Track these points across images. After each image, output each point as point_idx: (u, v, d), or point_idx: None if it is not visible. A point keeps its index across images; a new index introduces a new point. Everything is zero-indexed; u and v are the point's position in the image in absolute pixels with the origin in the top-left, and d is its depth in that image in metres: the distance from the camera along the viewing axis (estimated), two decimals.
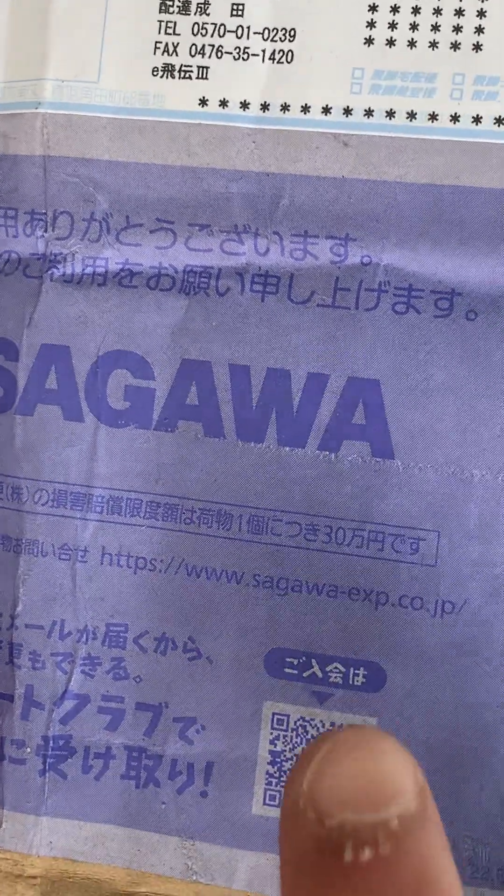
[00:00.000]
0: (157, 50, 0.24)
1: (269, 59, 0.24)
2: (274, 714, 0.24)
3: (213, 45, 0.24)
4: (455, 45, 0.23)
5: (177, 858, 0.25)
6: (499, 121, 0.23)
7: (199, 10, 0.24)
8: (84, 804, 0.25)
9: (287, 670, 0.24)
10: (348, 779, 0.17)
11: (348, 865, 0.16)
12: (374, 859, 0.16)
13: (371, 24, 0.23)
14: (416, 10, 0.23)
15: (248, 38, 0.24)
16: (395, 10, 0.23)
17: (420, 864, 0.17)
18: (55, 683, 0.25)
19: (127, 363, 0.25)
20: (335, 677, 0.24)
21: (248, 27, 0.24)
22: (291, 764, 0.24)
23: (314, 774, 0.17)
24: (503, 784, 0.23)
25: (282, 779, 0.24)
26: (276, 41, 0.24)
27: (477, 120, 0.23)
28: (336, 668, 0.24)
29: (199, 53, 0.24)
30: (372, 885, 0.16)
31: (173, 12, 0.24)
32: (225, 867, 0.24)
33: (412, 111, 0.23)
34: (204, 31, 0.24)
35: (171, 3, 0.24)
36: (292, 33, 0.23)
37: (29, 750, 0.25)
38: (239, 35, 0.24)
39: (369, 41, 0.23)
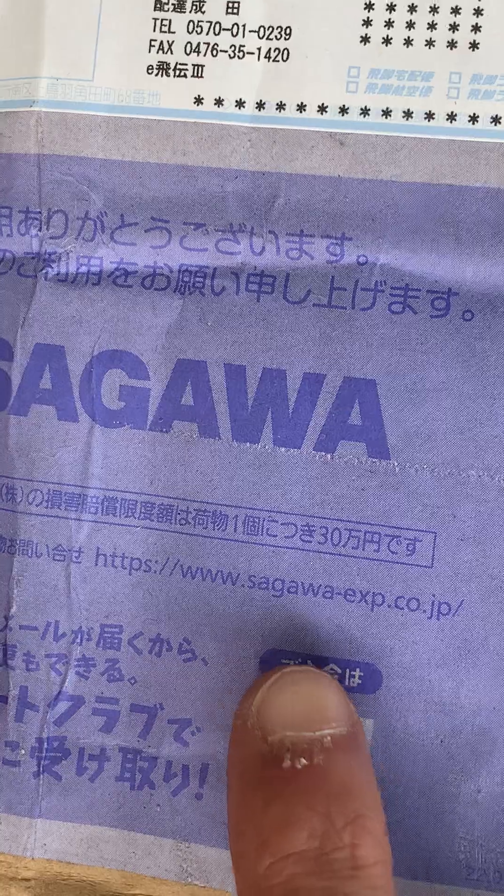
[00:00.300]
0: (152, 48, 0.24)
1: (265, 57, 0.24)
2: None
3: (208, 44, 0.24)
4: (452, 44, 0.23)
5: (172, 861, 0.25)
6: (495, 119, 0.23)
7: (194, 7, 0.24)
8: (79, 806, 0.25)
9: None
10: (290, 704, 0.21)
11: (287, 771, 0.20)
12: (309, 767, 0.20)
13: (367, 23, 0.23)
14: (412, 9, 0.23)
15: (243, 36, 0.24)
16: (391, 8, 0.23)
17: (347, 777, 0.20)
18: (49, 685, 0.25)
19: (122, 363, 0.25)
20: None
21: (244, 25, 0.24)
22: None
23: (261, 700, 0.21)
24: (500, 785, 0.23)
25: None
26: (271, 39, 0.23)
27: (474, 119, 0.23)
28: (332, 669, 0.24)
29: (195, 51, 0.24)
30: (306, 788, 0.20)
31: (168, 10, 0.24)
32: (220, 869, 0.24)
33: (408, 110, 0.23)
34: (199, 29, 0.24)
35: (165, 0, 0.24)
36: (288, 31, 0.23)
37: (23, 752, 0.25)
38: (234, 33, 0.24)
39: (365, 39, 0.23)
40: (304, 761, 0.20)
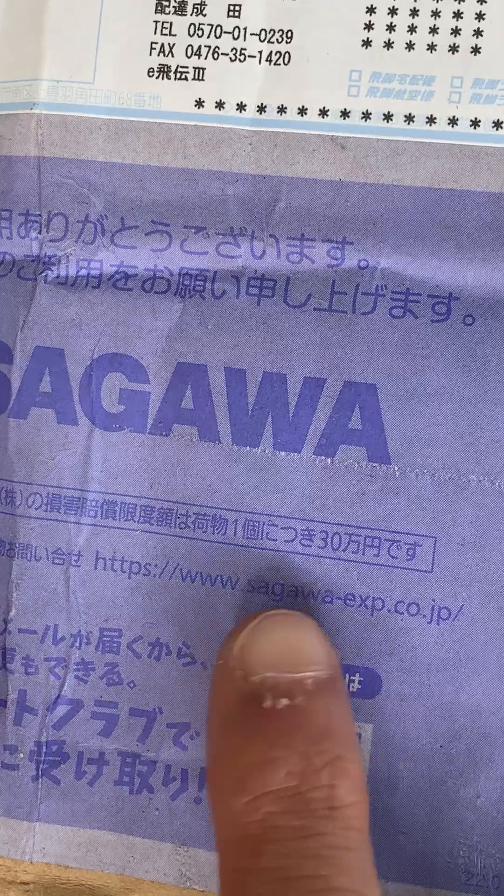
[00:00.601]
0: (153, 50, 0.24)
1: (266, 60, 0.23)
2: None
3: (209, 47, 0.24)
4: (453, 48, 0.23)
5: (171, 865, 0.25)
6: (497, 124, 0.23)
7: (195, 10, 0.24)
8: (77, 810, 0.25)
9: None
10: (272, 646, 0.21)
11: (267, 710, 0.20)
12: (290, 707, 0.20)
13: (369, 26, 0.23)
14: (414, 13, 0.23)
15: (244, 39, 0.24)
16: (392, 11, 0.23)
17: (327, 718, 0.20)
18: (48, 689, 0.25)
19: (121, 366, 0.25)
20: None
21: (245, 28, 0.24)
22: None
23: (244, 641, 0.21)
24: (499, 791, 0.23)
25: None
26: (272, 42, 0.23)
27: (475, 123, 0.23)
28: None
29: (196, 54, 0.24)
30: (286, 728, 0.20)
31: (169, 13, 0.24)
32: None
33: (410, 114, 0.23)
34: (200, 32, 0.24)
35: (167, 3, 0.24)
36: (289, 35, 0.23)
37: (22, 755, 0.25)
38: (235, 36, 0.24)
39: (367, 43, 0.23)
40: (284, 701, 0.20)
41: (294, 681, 0.20)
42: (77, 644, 0.25)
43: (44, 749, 0.25)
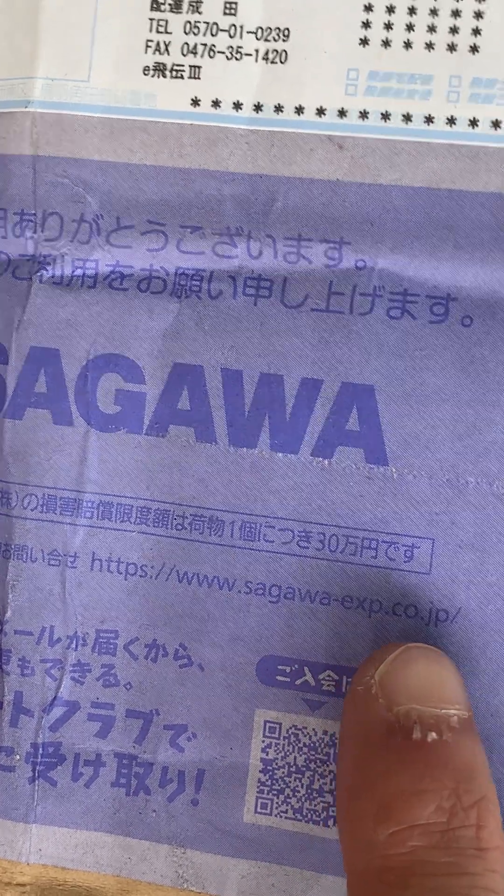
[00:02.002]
0: (149, 49, 0.24)
1: (263, 58, 0.23)
2: (266, 722, 0.24)
3: (205, 45, 0.24)
4: (451, 47, 0.23)
5: (168, 866, 0.25)
6: (495, 124, 0.22)
7: (190, 8, 0.24)
8: (74, 812, 0.25)
9: (279, 678, 0.24)
10: (415, 678, 0.21)
11: (415, 742, 0.20)
12: (438, 742, 0.20)
13: (366, 25, 0.23)
14: (412, 11, 0.23)
15: (241, 37, 0.23)
16: (390, 10, 0.23)
17: (471, 758, 0.20)
18: (44, 690, 0.25)
19: (117, 367, 0.24)
20: (328, 685, 0.24)
21: (242, 26, 0.23)
22: (284, 772, 0.24)
23: (386, 669, 0.21)
24: (498, 791, 0.23)
25: (274, 786, 0.24)
26: (269, 41, 0.23)
27: (473, 123, 0.23)
28: (329, 675, 0.24)
29: (192, 52, 0.24)
30: (434, 762, 0.19)
31: (165, 10, 0.24)
32: (216, 875, 0.24)
33: (408, 113, 0.23)
34: (196, 30, 0.24)
35: (162, 1, 0.24)
36: (286, 33, 0.23)
37: (18, 757, 0.25)
38: (232, 34, 0.23)
39: (364, 42, 0.23)
40: (433, 735, 0.20)
41: (440, 716, 0.20)
42: (73, 645, 0.25)
43: (40, 751, 0.25)
